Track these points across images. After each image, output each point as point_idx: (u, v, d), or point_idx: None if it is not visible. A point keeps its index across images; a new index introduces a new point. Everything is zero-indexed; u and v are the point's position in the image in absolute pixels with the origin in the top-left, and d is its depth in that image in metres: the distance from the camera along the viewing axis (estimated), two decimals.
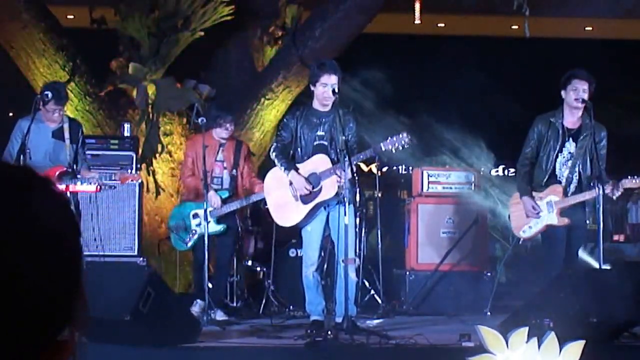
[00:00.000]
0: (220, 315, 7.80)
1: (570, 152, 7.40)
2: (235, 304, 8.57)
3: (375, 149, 7.04)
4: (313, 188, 7.09)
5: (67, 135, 7.58)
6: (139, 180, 8.45)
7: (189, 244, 8.08)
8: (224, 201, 7.94)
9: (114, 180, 7.87)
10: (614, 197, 7.30)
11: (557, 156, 7.39)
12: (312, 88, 7.25)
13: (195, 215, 8.01)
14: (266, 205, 7.62)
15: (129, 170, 8.67)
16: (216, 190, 8.00)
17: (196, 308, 7.82)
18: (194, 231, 8.02)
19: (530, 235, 7.48)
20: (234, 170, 8.13)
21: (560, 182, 7.41)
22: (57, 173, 7.48)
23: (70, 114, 9.45)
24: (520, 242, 7.58)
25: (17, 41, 9.80)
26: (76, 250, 1.17)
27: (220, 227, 7.94)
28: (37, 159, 7.47)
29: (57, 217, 1.15)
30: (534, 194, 7.41)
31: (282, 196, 7.23)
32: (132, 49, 9.92)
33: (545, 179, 7.43)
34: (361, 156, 7.05)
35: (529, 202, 7.39)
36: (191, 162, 8.08)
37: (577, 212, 7.34)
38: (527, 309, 6.46)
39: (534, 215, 7.38)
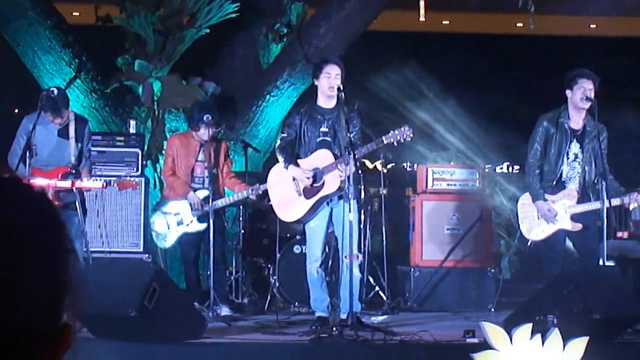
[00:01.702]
0: (225, 311, 7.82)
1: (575, 154, 7.40)
2: (240, 300, 8.60)
3: (377, 142, 7.06)
4: (315, 182, 7.11)
5: (72, 133, 7.61)
6: (137, 188, 8.47)
7: (170, 242, 8.11)
8: (206, 200, 7.89)
9: (113, 186, 7.88)
10: (630, 207, 7.31)
11: (563, 157, 7.39)
12: (316, 83, 7.27)
13: (177, 214, 8.03)
14: (269, 201, 7.62)
15: (128, 177, 8.67)
16: (195, 190, 8.01)
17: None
18: (176, 230, 8.04)
19: (542, 239, 7.44)
20: (215, 169, 8.10)
21: (565, 183, 7.41)
22: (61, 174, 7.50)
23: (76, 110, 9.49)
24: (529, 244, 7.55)
25: (24, 38, 9.83)
26: (53, 248, 1.17)
27: (202, 226, 7.93)
28: (42, 156, 7.50)
29: (26, 218, 1.15)
30: (546, 196, 7.39)
31: (285, 191, 7.26)
32: (138, 46, 9.95)
33: (553, 181, 7.41)
34: (364, 150, 7.07)
35: (544, 207, 7.33)
36: (171, 161, 8.08)
37: (588, 212, 7.34)
38: (531, 306, 6.48)
39: (551, 219, 7.35)
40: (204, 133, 7.87)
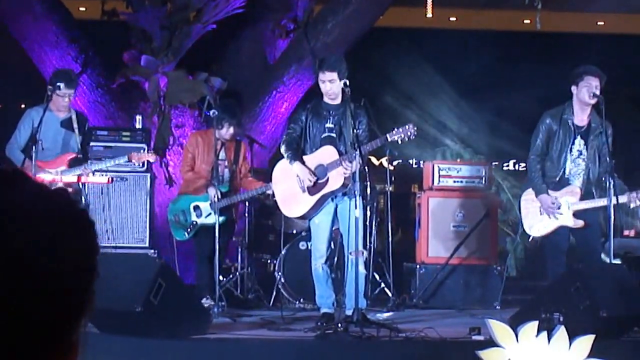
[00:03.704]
0: (207, 302, 7.77)
1: (579, 150, 7.39)
2: (245, 296, 8.59)
3: (381, 140, 7.06)
4: (319, 179, 7.11)
5: (75, 125, 7.70)
6: (154, 159, 8.49)
7: (190, 234, 8.17)
8: (223, 195, 7.99)
9: (125, 162, 7.94)
10: (631, 206, 7.30)
11: (566, 153, 7.38)
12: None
13: (196, 207, 8.11)
14: (274, 197, 7.65)
15: (143, 151, 8.69)
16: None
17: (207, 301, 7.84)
18: (194, 222, 8.12)
19: (542, 235, 7.45)
20: (234, 166, 8.22)
21: (569, 180, 7.40)
22: (69, 159, 7.58)
23: (82, 106, 9.51)
24: (531, 240, 7.56)
25: (30, 33, 9.83)
26: (62, 243, 1.12)
27: (221, 219, 7.98)
28: (48, 147, 7.54)
29: (36, 213, 1.11)
30: (549, 192, 7.38)
31: (289, 187, 7.26)
32: (144, 41, 9.94)
33: (556, 177, 7.40)
34: (368, 147, 7.06)
35: (547, 199, 7.34)
36: (191, 157, 8.21)
37: (590, 209, 7.33)
38: (537, 303, 6.47)
39: (554, 211, 7.34)
40: (226, 132, 8.00)
